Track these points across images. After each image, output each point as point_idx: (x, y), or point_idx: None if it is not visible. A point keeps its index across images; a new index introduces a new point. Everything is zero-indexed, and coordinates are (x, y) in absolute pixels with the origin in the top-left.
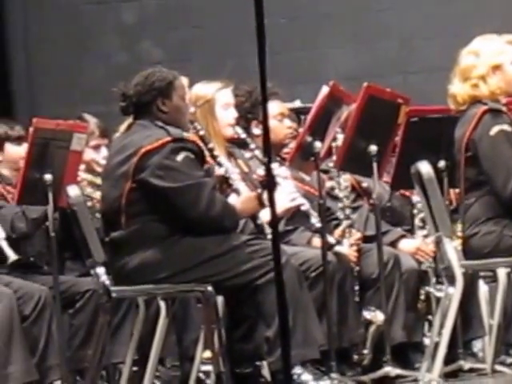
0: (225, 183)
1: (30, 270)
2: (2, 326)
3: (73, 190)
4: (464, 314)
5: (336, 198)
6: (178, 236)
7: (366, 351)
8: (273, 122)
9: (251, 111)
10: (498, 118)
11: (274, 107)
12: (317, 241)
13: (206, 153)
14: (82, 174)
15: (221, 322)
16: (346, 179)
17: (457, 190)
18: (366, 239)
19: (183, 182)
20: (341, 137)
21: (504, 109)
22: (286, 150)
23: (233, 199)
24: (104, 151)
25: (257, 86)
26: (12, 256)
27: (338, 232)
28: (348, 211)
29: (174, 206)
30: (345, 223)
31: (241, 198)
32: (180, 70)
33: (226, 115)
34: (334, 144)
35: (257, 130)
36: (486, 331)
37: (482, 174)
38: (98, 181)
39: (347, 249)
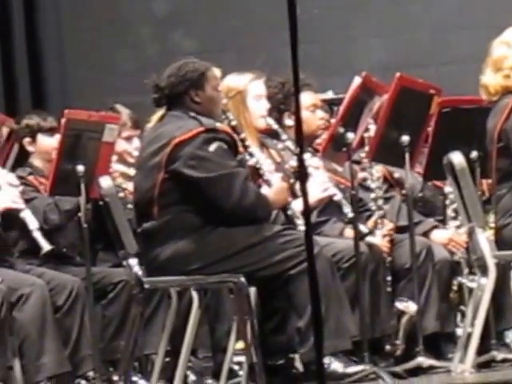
0: (256, 174)
1: (62, 261)
2: (35, 317)
3: (105, 181)
4: (496, 304)
5: (368, 189)
6: (210, 226)
7: (398, 342)
8: (305, 113)
9: (284, 102)
10: None
11: (307, 98)
12: (349, 232)
13: (239, 143)
14: (114, 166)
15: (253, 313)
16: (378, 170)
17: (489, 181)
18: (399, 230)
19: (216, 172)
20: (373, 127)
21: None
22: (318, 140)
23: (265, 190)
24: (136, 142)
25: (289, 78)
26: (46, 246)
27: (370, 223)
28: (380, 202)
29: (206, 197)
30: (377, 214)
31: (273, 188)
32: (212, 61)
33: (258, 106)
34: (366, 135)
35: (289, 121)
36: None
37: None
38: (130, 172)
39: (379, 239)
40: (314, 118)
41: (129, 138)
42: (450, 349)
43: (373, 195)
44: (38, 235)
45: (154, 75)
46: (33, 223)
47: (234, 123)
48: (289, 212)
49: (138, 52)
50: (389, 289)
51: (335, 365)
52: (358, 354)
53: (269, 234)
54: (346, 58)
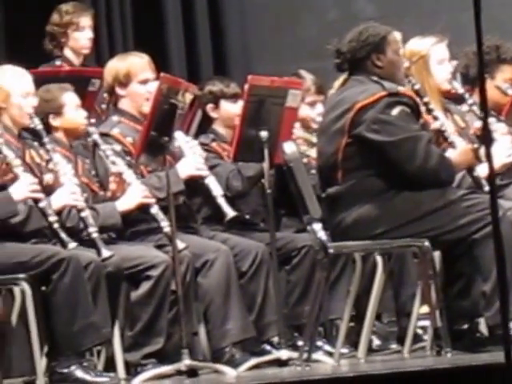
0: (440, 137)
1: (246, 227)
2: (220, 282)
3: (289, 147)
4: None
5: None
6: (394, 190)
7: None
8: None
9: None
10: None
11: (507, 71)
12: None
13: (422, 107)
14: (297, 132)
15: (438, 278)
16: None
17: None
18: None
19: (399, 135)
20: None
21: None
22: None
23: (449, 153)
24: (319, 108)
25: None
26: (230, 213)
27: None
28: None
29: (390, 160)
30: None
31: (457, 151)
32: (393, 25)
33: (442, 70)
34: None
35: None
36: None
37: None
38: (313, 139)
39: None
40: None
41: (312, 104)
42: None
43: None
44: (222, 202)
45: (336, 40)
46: (217, 190)
47: (417, 87)
48: (474, 174)
49: (319, 17)
50: None
51: None
52: None
53: (453, 198)
54: None
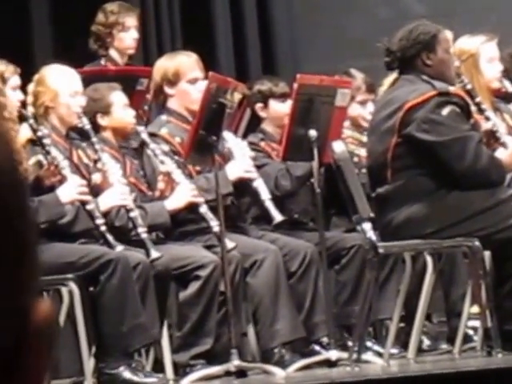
0: (492, 137)
1: (295, 227)
2: (269, 283)
3: (338, 146)
4: None
5: None
6: (444, 190)
7: None
8: None
9: None
10: None
11: None
12: None
13: (472, 107)
14: (346, 131)
15: (488, 277)
16: None
17: None
18: None
19: (449, 135)
20: None
21: None
22: None
23: (500, 153)
24: (370, 106)
25: None
26: (278, 217)
27: None
28: None
29: (440, 160)
30: None
31: (508, 151)
32: (443, 24)
33: (492, 69)
34: None
35: None
36: None
37: None
38: (363, 138)
39: None
40: None
41: (363, 103)
42: None
43: None
44: (269, 205)
45: (386, 39)
46: (265, 193)
47: (468, 87)
48: None
49: (369, 16)
50: None
51: None
52: None
53: (504, 197)
54: None
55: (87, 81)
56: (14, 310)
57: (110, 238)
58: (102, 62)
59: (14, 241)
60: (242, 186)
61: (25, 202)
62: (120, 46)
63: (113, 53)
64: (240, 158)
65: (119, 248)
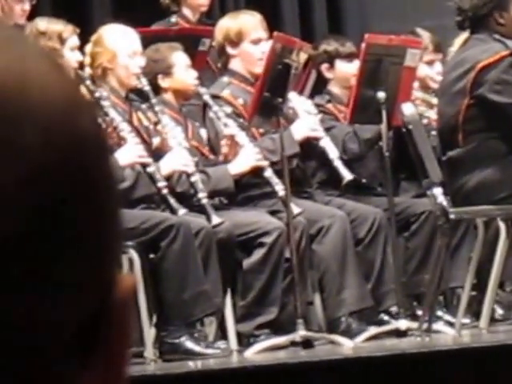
0: None
1: (362, 192)
2: (336, 250)
3: (408, 108)
4: None
5: None
6: None
7: None
8: None
9: None
10: None
11: None
12: None
13: None
14: (416, 93)
15: None
16: None
17: None
18: None
19: None
20: None
21: None
22: None
23: None
24: (438, 66)
25: None
26: (347, 176)
27: None
28: None
29: None
30: None
31: None
32: None
33: None
34: None
35: None
36: None
37: None
38: (433, 99)
39: None
40: None
41: (431, 63)
42: None
43: None
44: (338, 164)
45: None
46: (333, 152)
47: None
48: None
49: None
50: None
51: None
52: None
53: None
54: None
55: (148, 41)
56: (97, 284)
57: (172, 201)
58: (173, 19)
59: (99, 213)
60: (309, 148)
61: (110, 167)
62: (193, 2)
63: (185, 10)
64: (305, 117)
65: (182, 211)
